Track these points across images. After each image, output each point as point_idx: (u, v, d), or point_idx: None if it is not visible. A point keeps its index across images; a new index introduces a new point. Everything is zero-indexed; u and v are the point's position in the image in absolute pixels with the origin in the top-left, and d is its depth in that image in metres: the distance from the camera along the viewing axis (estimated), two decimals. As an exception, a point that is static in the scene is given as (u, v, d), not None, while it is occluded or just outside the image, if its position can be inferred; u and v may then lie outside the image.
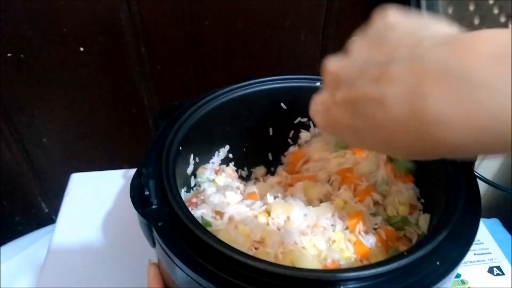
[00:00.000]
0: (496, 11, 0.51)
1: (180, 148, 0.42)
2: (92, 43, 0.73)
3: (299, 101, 0.51)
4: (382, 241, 0.41)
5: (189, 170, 0.47)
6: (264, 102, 0.50)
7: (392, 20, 0.28)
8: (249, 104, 0.50)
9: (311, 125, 0.53)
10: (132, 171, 0.39)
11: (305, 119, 0.53)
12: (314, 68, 0.86)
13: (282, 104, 0.51)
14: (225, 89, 0.48)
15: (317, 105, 0.31)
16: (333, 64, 0.30)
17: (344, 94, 0.27)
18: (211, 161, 0.51)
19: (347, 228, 0.42)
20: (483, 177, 0.50)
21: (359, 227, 0.42)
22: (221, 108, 0.47)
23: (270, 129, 0.53)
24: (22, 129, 0.82)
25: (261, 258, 0.31)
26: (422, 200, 0.45)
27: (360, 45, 0.29)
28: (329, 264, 0.38)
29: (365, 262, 0.39)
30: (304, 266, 0.37)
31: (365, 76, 0.25)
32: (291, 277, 0.30)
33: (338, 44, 0.79)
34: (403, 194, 0.45)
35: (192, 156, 0.47)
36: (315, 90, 0.50)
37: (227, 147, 0.52)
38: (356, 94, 0.26)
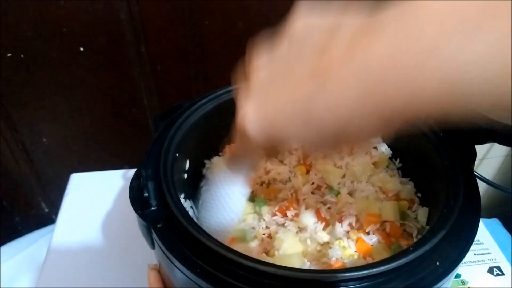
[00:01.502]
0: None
1: (177, 150, 0.42)
2: (92, 43, 0.73)
3: None
4: (385, 237, 0.41)
5: (187, 170, 0.47)
6: None
7: (302, 26, 0.27)
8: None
9: None
10: (132, 172, 0.39)
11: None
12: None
13: None
14: (222, 91, 0.48)
15: (244, 108, 0.28)
16: (259, 61, 0.29)
17: (282, 85, 0.26)
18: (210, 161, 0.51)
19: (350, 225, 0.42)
20: (483, 177, 0.50)
21: (372, 227, 0.42)
22: (217, 110, 0.48)
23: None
24: (22, 129, 0.82)
25: (260, 260, 0.31)
26: (419, 194, 0.45)
27: (280, 46, 0.28)
28: (333, 262, 0.38)
29: (369, 259, 0.39)
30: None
31: (297, 70, 0.25)
32: (291, 278, 0.30)
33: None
34: (401, 190, 0.45)
35: (189, 158, 0.47)
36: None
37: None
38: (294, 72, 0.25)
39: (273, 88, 0.27)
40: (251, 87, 0.28)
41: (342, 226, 0.41)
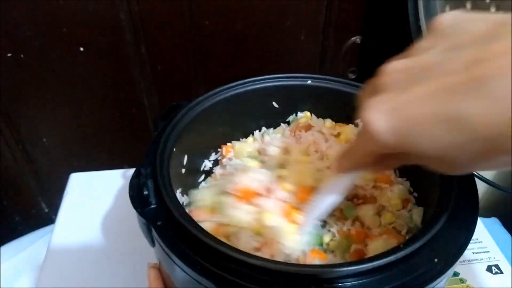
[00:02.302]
0: (493, 9, 0.51)
1: (174, 146, 0.43)
2: (92, 43, 0.74)
3: (291, 99, 0.51)
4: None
5: (183, 170, 0.47)
6: (256, 101, 0.51)
7: (453, 18, 0.25)
8: (241, 104, 0.50)
9: None
10: (132, 171, 0.40)
11: (297, 118, 0.53)
12: (314, 68, 0.87)
13: (274, 103, 0.51)
14: (218, 90, 0.48)
15: (376, 108, 0.25)
16: (396, 63, 0.26)
17: (427, 85, 0.23)
18: (207, 160, 0.51)
19: None
20: (483, 177, 0.50)
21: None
22: (213, 108, 0.48)
23: (263, 128, 0.53)
24: (22, 129, 0.82)
25: (259, 256, 0.31)
26: (415, 194, 0.45)
27: (423, 45, 0.26)
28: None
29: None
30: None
31: (452, 63, 0.22)
32: (289, 274, 0.30)
33: (338, 44, 0.80)
34: (393, 191, 0.45)
35: (186, 156, 0.47)
36: (306, 88, 0.51)
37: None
38: (447, 80, 0.22)
39: (410, 87, 0.24)
40: (381, 86, 0.26)
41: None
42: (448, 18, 0.25)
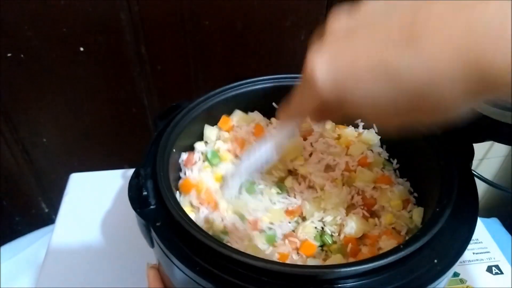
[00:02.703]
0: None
1: (174, 146, 0.43)
2: (92, 43, 0.74)
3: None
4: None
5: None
6: (255, 102, 0.51)
7: None
8: (240, 105, 0.50)
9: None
10: (132, 171, 0.40)
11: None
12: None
13: (274, 104, 0.51)
14: (217, 90, 0.49)
15: (318, 55, 0.26)
16: (341, 14, 0.27)
17: (366, 36, 0.24)
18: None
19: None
20: (483, 177, 0.50)
21: None
22: (213, 109, 0.48)
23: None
24: (22, 129, 0.82)
25: (258, 257, 0.31)
26: (415, 194, 0.45)
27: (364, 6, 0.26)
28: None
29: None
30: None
31: (391, 19, 0.24)
32: (288, 274, 0.30)
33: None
34: (393, 192, 0.45)
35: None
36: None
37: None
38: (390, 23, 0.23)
39: (351, 39, 0.25)
40: (326, 37, 0.27)
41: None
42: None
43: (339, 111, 0.28)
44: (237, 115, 0.50)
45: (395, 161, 0.48)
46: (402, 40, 0.22)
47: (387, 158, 0.48)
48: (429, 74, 0.22)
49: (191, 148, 0.48)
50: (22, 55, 0.73)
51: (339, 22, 0.27)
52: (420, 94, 0.23)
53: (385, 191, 0.44)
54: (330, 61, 0.25)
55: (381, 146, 0.49)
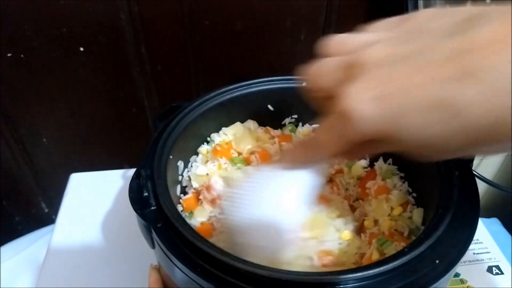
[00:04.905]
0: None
1: (171, 151, 0.43)
2: (92, 43, 0.73)
3: (286, 102, 0.51)
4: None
5: (180, 172, 0.48)
6: (251, 104, 0.51)
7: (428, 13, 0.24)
8: (236, 107, 0.50)
9: (300, 125, 0.53)
10: (132, 171, 0.40)
11: (292, 120, 0.53)
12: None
13: (269, 106, 0.51)
14: (215, 93, 0.49)
15: (360, 95, 0.23)
16: (375, 47, 0.25)
17: (415, 72, 0.22)
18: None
19: None
20: (483, 177, 0.50)
21: None
22: (210, 112, 0.48)
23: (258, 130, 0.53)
24: (22, 129, 0.82)
25: (257, 264, 0.31)
26: (414, 194, 0.45)
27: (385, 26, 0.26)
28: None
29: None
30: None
31: (437, 51, 0.22)
32: (289, 281, 0.30)
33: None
34: (391, 199, 0.44)
35: (183, 159, 0.47)
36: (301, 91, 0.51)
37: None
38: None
39: (398, 72, 0.23)
40: (363, 69, 0.24)
41: None
42: (427, 11, 0.25)
43: (380, 148, 0.27)
44: (234, 128, 0.50)
45: (390, 160, 0.48)
46: (459, 72, 0.21)
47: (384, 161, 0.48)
48: (493, 106, 0.20)
49: (191, 149, 0.48)
50: (22, 55, 0.72)
51: (375, 51, 0.25)
52: (485, 130, 0.21)
53: (381, 203, 0.44)
54: (377, 98, 0.23)
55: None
